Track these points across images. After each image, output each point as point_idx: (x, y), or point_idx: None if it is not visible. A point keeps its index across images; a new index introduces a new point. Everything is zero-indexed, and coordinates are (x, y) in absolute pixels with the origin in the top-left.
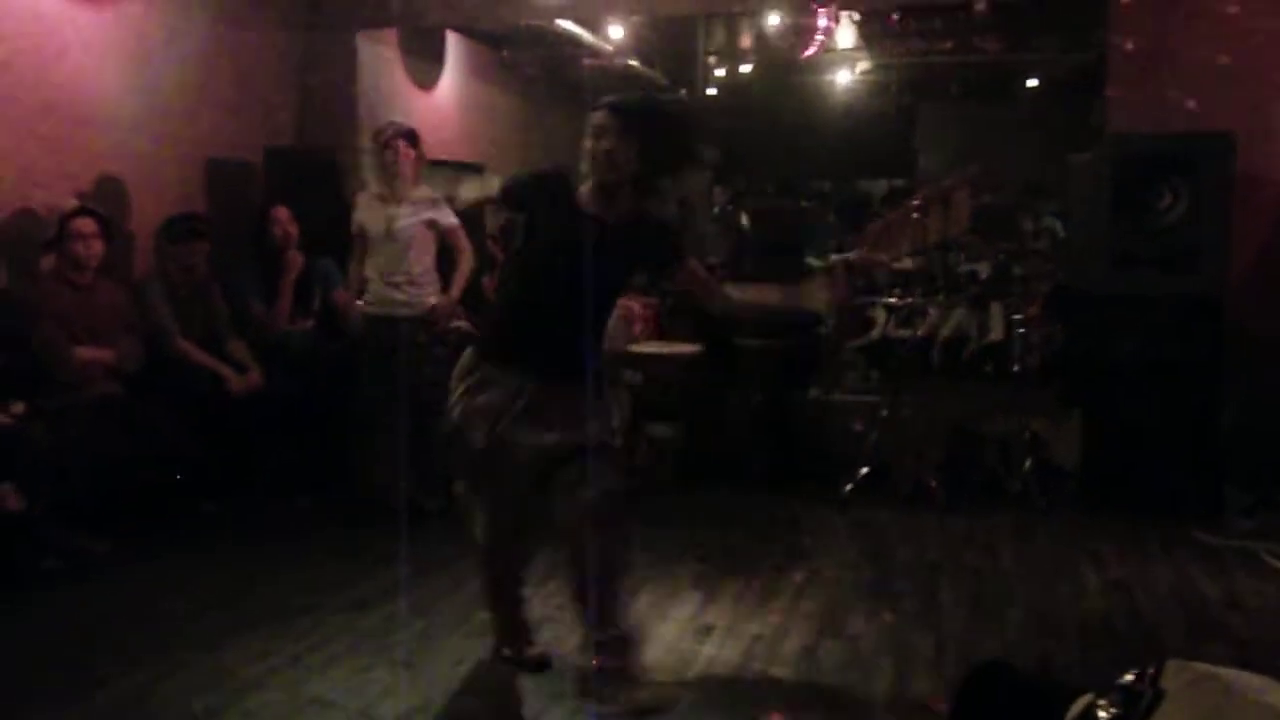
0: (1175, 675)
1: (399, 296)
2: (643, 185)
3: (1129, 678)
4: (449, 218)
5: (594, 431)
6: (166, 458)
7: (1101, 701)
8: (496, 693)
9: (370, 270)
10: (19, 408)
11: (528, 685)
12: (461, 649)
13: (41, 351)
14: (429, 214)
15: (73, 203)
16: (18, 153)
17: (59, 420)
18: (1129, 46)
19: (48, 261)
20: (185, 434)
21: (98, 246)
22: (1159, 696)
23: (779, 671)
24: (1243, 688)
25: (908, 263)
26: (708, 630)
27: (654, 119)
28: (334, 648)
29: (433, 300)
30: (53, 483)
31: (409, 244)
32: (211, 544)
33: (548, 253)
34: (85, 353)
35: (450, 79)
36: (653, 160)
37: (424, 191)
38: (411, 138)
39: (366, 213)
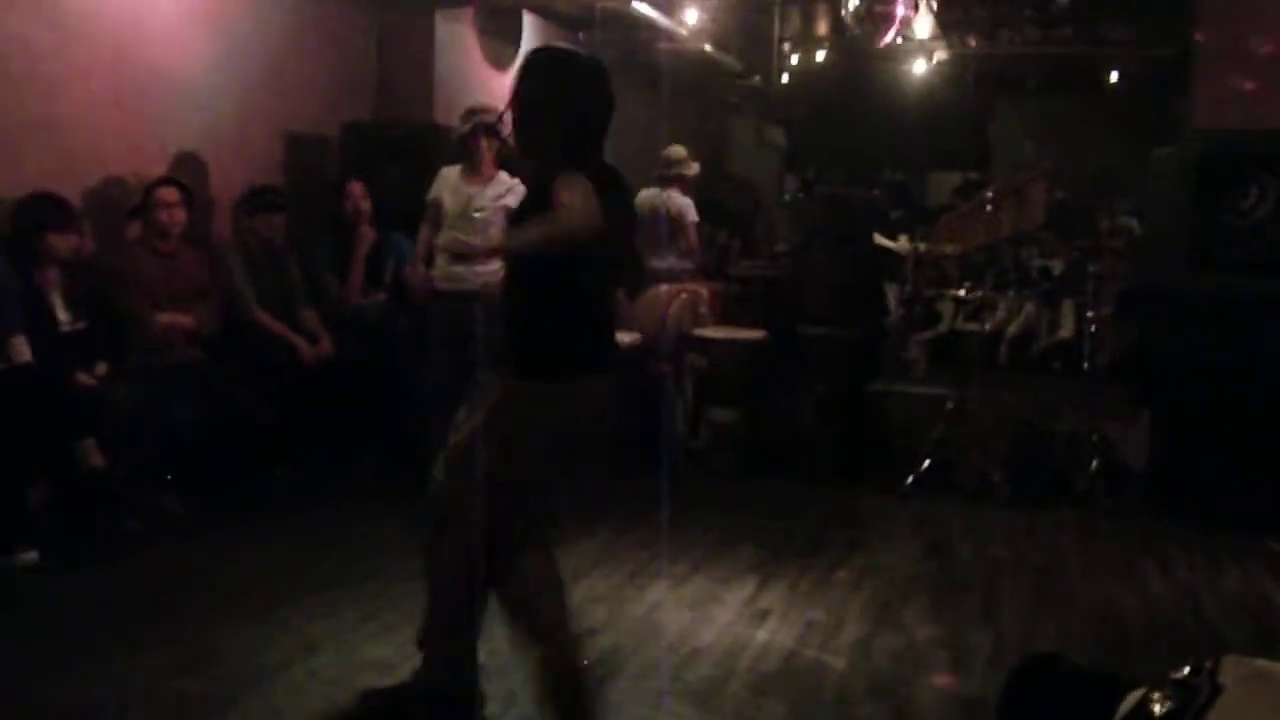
0: (1233, 670)
1: (466, 274)
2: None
3: (1185, 672)
4: None
5: None
6: (241, 422)
7: (1156, 695)
8: None
9: (441, 244)
10: (103, 369)
11: (587, 655)
12: None
13: (126, 316)
14: (508, 199)
15: (158, 172)
16: (104, 123)
17: (140, 382)
18: (1216, 40)
19: (133, 229)
20: (259, 400)
21: (180, 215)
22: (1216, 691)
23: (832, 659)
24: None
25: (977, 256)
26: (763, 615)
27: (543, 71)
28: (396, 613)
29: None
30: (132, 443)
31: (484, 225)
32: (282, 508)
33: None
34: (166, 318)
35: None
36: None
37: (505, 177)
38: (493, 132)
39: (445, 186)
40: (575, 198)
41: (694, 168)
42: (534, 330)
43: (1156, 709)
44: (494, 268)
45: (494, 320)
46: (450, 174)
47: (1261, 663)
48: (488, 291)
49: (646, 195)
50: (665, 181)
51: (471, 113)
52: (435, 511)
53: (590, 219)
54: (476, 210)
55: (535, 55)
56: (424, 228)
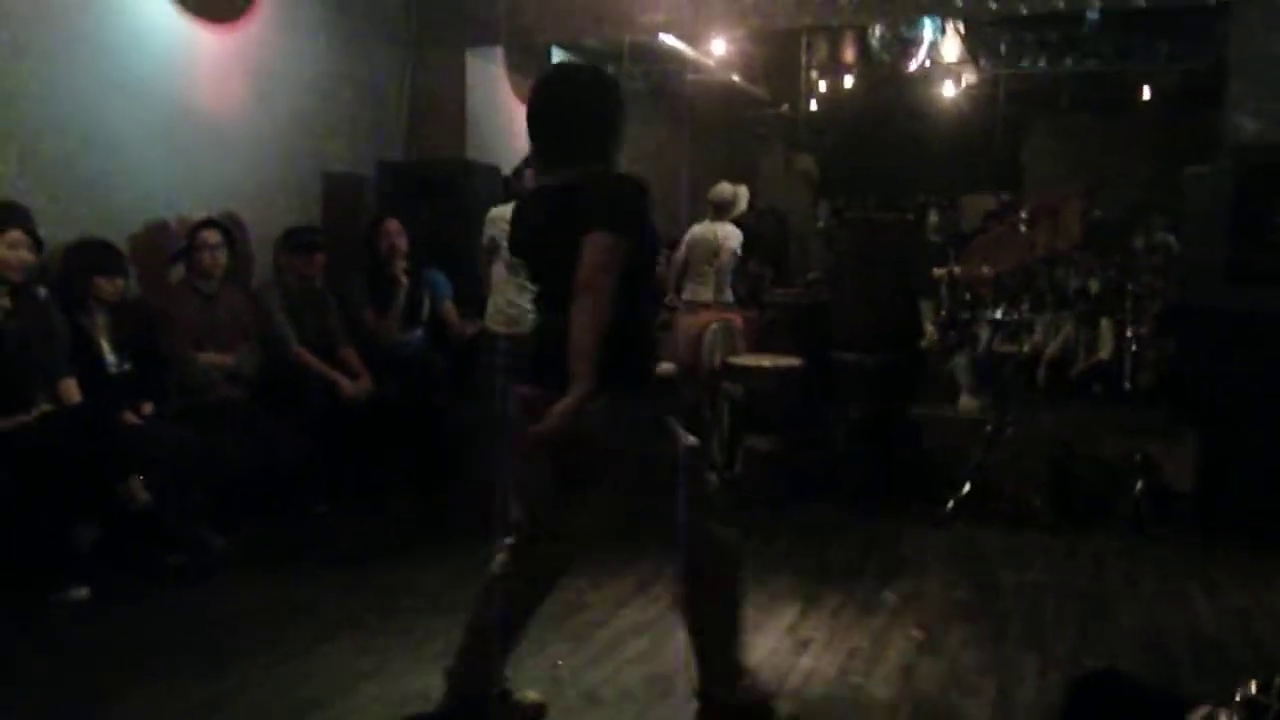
0: None
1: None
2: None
3: (1252, 689)
4: None
5: None
6: (282, 460)
7: (1223, 713)
8: (594, 694)
9: (503, 287)
10: (148, 409)
11: (623, 688)
12: (561, 649)
13: (169, 357)
14: None
15: (201, 215)
16: (148, 168)
17: (183, 422)
18: (1250, 52)
19: (176, 272)
20: (300, 438)
21: (222, 256)
22: None
23: (876, 688)
24: None
25: (1013, 277)
26: (806, 643)
27: (563, 88)
28: (438, 644)
29: None
30: (177, 481)
31: None
32: (322, 545)
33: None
34: (208, 358)
35: None
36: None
37: None
38: None
39: (498, 228)
40: (598, 274)
41: (744, 199)
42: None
43: None
44: None
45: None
46: (500, 214)
47: None
48: None
49: (700, 230)
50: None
51: (527, 160)
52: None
53: (607, 290)
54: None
55: (543, 72)
56: (483, 270)
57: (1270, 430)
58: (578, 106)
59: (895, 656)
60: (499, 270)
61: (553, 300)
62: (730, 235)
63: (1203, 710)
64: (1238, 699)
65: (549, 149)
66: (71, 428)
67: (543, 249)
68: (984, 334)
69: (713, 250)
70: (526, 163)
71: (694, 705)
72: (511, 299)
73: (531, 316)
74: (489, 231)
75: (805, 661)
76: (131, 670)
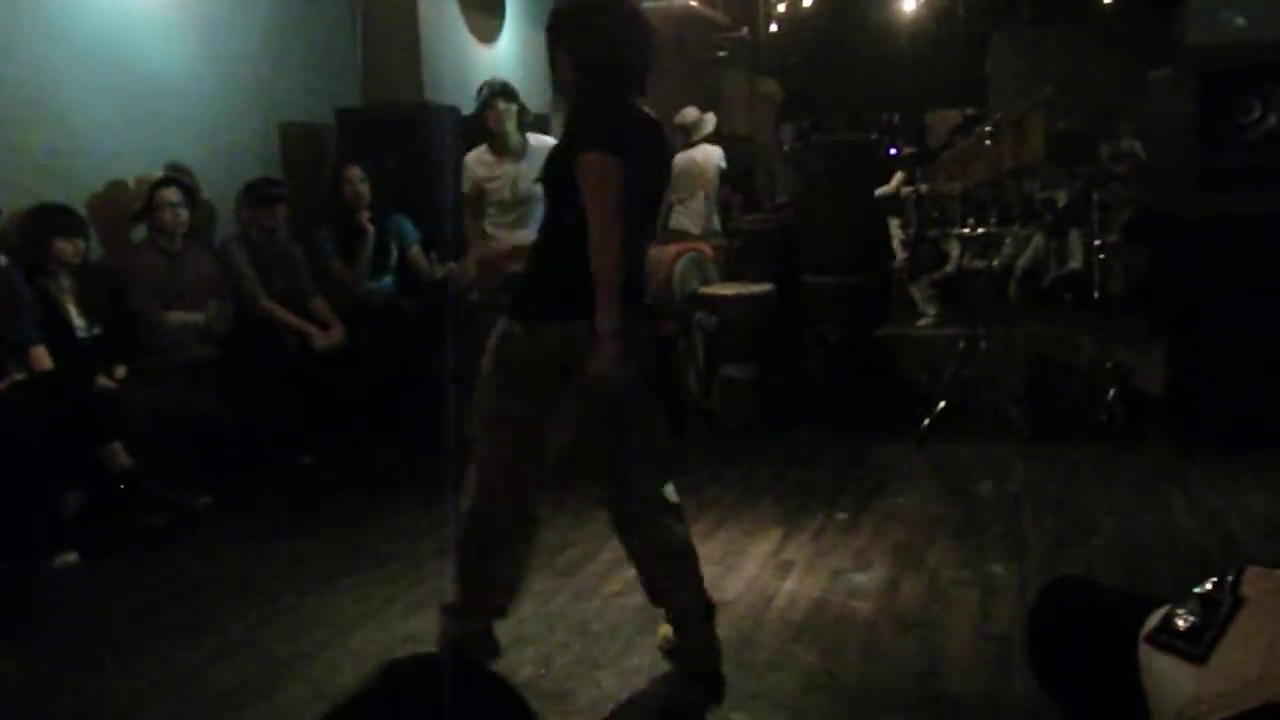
0: (1255, 582)
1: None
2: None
3: (1207, 586)
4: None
5: None
6: (260, 414)
7: (1180, 610)
8: (582, 629)
9: (495, 232)
10: (121, 372)
11: (612, 622)
12: (548, 588)
13: (138, 317)
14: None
15: (158, 173)
16: (103, 128)
17: (157, 383)
18: None
19: (138, 232)
20: (276, 391)
21: (184, 214)
22: (1239, 603)
23: (860, 605)
24: None
25: (980, 192)
26: (788, 566)
27: (573, 22)
28: (424, 590)
29: None
30: (156, 443)
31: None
32: (304, 496)
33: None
34: (177, 316)
35: (511, 31)
36: (589, 63)
37: (540, 140)
38: (508, 94)
39: (482, 170)
40: (598, 192)
41: (710, 122)
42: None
43: (1180, 624)
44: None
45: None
46: (478, 158)
47: None
48: None
49: (680, 157)
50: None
51: (483, 87)
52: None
53: (611, 208)
54: (523, 190)
55: (566, 4)
56: (468, 220)
57: (1240, 333)
58: (604, 43)
59: (878, 574)
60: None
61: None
62: (711, 154)
63: (1162, 610)
64: (1194, 595)
65: (569, 82)
66: (46, 396)
67: (549, 178)
68: (954, 250)
69: (697, 174)
70: (486, 104)
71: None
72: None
73: None
74: (469, 176)
75: (788, 585)
76: (129, 631)
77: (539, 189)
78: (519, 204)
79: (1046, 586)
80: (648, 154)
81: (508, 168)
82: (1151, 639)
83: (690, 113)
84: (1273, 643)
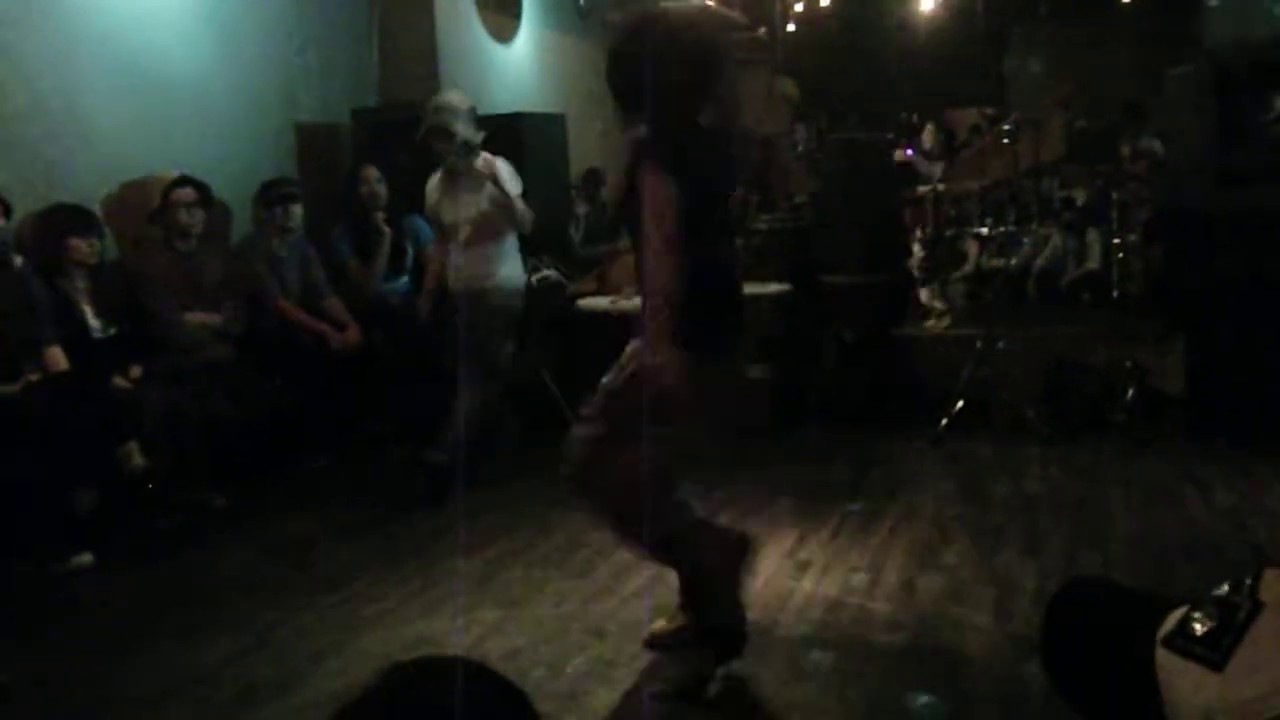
0: (1274, 586)
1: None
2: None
3: (1225, 589)
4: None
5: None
6: (275, 415)
7: (1197, 614)
8: (598, 631)
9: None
10: (137, 372)
11: (633, 612)
12: (562, 589)
13: (154, 318)
14: (483, 201)
15: (174, 174)
16: (119, 128)
17: (173, 383)
18: None
19: (154, 232)
20: (291, 391)
21: (199, 214)
22: (1258, 608)
23: (877, 605)
24: None
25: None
26: (805, 565)
27: (625, 42)
28: (439, 591)
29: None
30: (171, 443)
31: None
32: (319, 496)
33: None
34: (194, 318)
35: (527, 31)
36: (634, 87)
37: (483, 166)
38: (441, 134)
39: (433, 200)
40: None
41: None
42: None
43: (1197, 628)
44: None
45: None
46: (434, 185)
47: None
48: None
49: None
50: None
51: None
52: None
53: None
54: (468, 218)
55: (629, 19)
56: (437, 247)
57: (1258, 331)
58: (646, 57)
59: (894, 574)
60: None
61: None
62: None
63: (1180, 612)
64: (1211, 598)
65: (631, 101)
66: (62, 396)
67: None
68: (971, 250)
69: None
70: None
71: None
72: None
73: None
74: (429, 207)
75: (805, 584)
76: (141, 632)
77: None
78: (462, 226)
79: (1061, 590)
80: (712, 168)
81: (450, 200)
82: (1169, 643)
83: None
84: None
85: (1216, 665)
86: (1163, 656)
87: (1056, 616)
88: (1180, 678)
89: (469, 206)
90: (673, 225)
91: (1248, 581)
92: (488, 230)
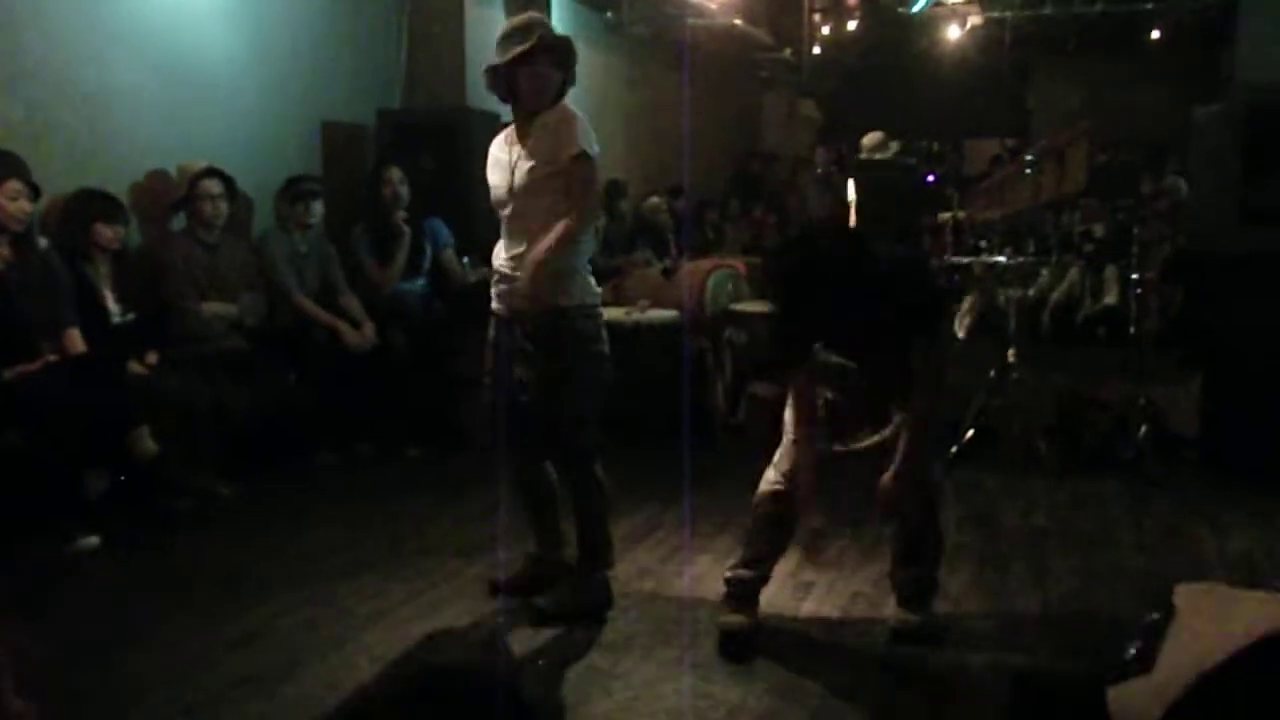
0: (1183, 594)
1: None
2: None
3: (1154, 616)
4: None
5: None
6: (287, 408)
7: (1128, 646)
8: (599, 639)
9: None
10: (153, 359)
11: (632, 624)
12: None
13: (173, 306)
14: (536, 157)
15: (200, 164)
16: (148, 119)
17: (188, 371)
18: None
19: (177, 221)
20: (304, 386)
21: (223, 206)
22: (1170, 614)
23: (878, 630)
24: (1248, 593)
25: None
26: (808, 587)
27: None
28: (443, 589)
29: None
30: (183, 431)
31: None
32: (328, 491)
33: None
34: (211, 307)
35: None
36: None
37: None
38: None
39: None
40: None
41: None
42: None
43: (1129, 654)
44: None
45: None
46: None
47: (1208, 584)
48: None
49: None
50: None
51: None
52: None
53: None
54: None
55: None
56: None
57: (1274, 372)
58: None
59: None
60: None
61: None
62: None
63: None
64: (1136, 628)
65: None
66: (78, 377)
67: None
68: (988, 279)
69: None
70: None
71: (698, 650)
72: None
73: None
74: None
75: (808, 605)
76: (146, 615)
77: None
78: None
79: (1011, 686)
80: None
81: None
82: (1111, 681)
83: (876, 136)
84: (1210, 626)
85: (1147, 670)
86: (1111, 694)
87: (1017, 710)
88: (1125, 698)
89: None
90: None
91: (1168, 599)
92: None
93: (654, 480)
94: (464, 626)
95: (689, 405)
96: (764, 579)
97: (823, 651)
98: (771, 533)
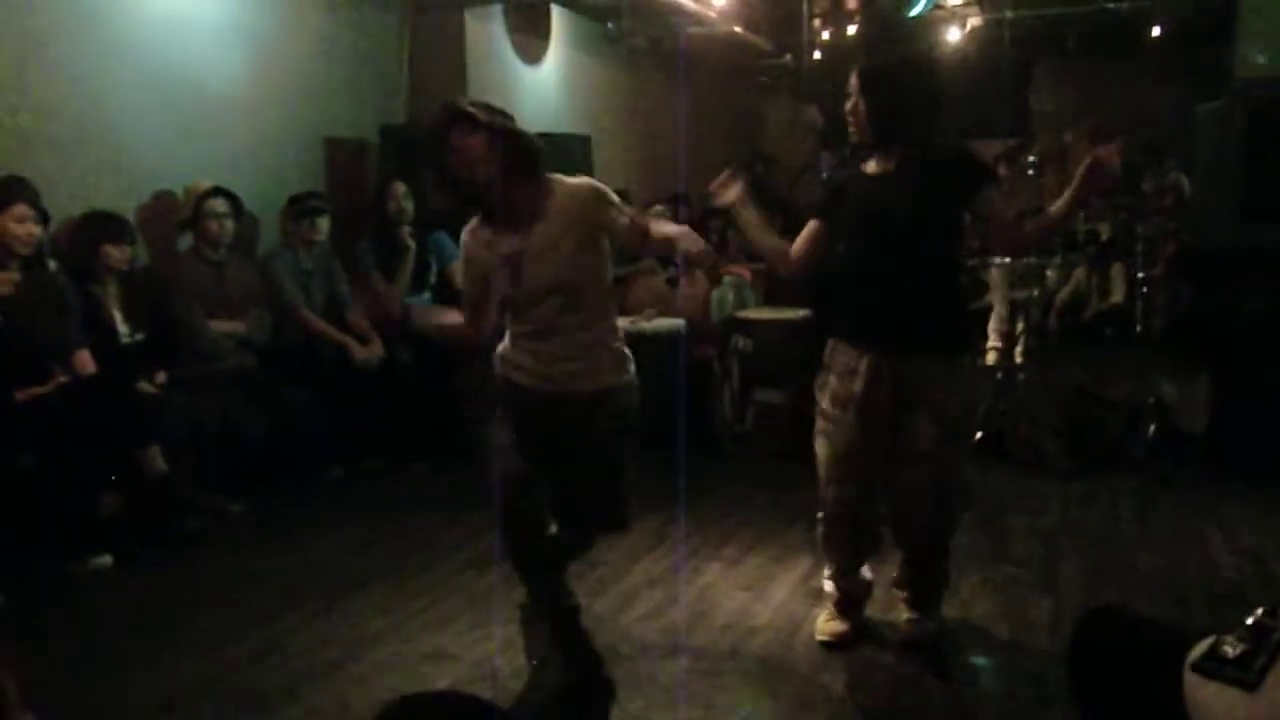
0: None
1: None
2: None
3: (1259, 614)
4: None
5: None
6: (295, 425)
7: (1228, 639)
8: (611, 648)
9: None
10: (162, 378)
11: (639, 642)
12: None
13: (180, 325)
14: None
15: (206, 184)
16: (152, 139)
17: (196, 390)
18: None
19: (184, 241)
20: (312, 403)
21: (229, 224)
22: None
23: (889, 635)
24: None
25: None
26: (817, 593)
27: (884, 77)
28: (452, 604)
29: None
30: (192, 449)
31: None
32: (337, 508)
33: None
34: (219, 326)
35: (556, 53)
36: (887, 114)
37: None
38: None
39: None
40: None
41: None
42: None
43: (1229, 651)
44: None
45: None
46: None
47: None
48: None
49: None
50: None
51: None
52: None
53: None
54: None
55: (893, 63)
56: None
57: None
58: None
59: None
60: None
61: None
62: None
63: (1209, 640)
64: (1243, 623)
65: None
66: (88, 398)
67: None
68: (994, 280)
69: None
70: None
71: (708, 658)
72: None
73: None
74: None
75: (818, 611)
76: (155, 636)
77: None
78: None
79: (1086, 616)
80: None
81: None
82: (1198, 667)
83: None
84: None
85: (1250, 686)
86: (1192, 681)
87: (1083, 642)
88: (1212, 701)
89: None
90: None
91: None
92: None
93: (662, 490)
94: (477, 638)
95: (685, 414)
96: (863, 587)
97: (833, 657)
98: (848, 546)
